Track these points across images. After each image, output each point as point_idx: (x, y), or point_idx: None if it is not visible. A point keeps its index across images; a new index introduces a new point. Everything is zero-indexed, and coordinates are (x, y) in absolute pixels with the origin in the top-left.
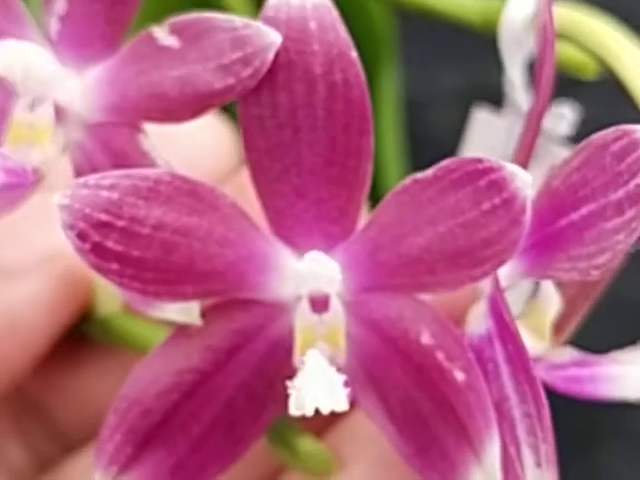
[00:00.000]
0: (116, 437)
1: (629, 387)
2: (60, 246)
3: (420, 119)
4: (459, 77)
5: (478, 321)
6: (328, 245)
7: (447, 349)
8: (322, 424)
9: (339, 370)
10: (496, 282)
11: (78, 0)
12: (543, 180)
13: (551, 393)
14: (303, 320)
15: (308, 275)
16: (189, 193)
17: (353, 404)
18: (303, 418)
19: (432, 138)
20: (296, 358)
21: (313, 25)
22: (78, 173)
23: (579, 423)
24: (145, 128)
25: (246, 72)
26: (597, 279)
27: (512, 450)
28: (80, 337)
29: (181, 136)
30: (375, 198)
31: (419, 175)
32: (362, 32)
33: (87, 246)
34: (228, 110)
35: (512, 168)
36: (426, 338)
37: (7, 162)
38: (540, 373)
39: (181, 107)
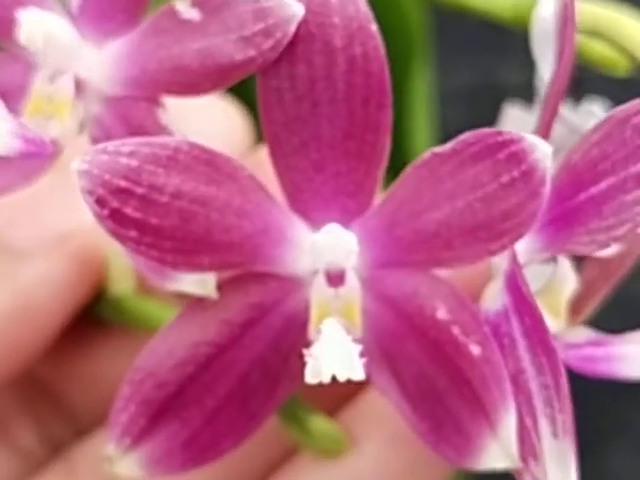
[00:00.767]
0: (130, 408)
1: None
2: (73, 227)
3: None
4: (469, 74)
5: (494, 298)
6: (345, 220)
7: (463, 324)
8: (334, 403)
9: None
10: (514, 257)
11: None
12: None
13: None
14: (319, 294)
15: (325, 248)
16: (207, 163)
17: (365, 382)
18: (315, 397)
19: (443, 135)
20: (312, 331)
21: None
22: None
23: (585, 423)
24: (164, 102)
25: (267, 44)
26: (619, 262)
27: (528, 421)
28: (92, 319)
29: (194, 121)
30: None
31: (438, 149)
32: (395, 27)
33: (105, 212)
34: (241, 95)
35: (532, 139)
36: (442, 313)
37: (26, 132)
38: None
39: (202, 80)
